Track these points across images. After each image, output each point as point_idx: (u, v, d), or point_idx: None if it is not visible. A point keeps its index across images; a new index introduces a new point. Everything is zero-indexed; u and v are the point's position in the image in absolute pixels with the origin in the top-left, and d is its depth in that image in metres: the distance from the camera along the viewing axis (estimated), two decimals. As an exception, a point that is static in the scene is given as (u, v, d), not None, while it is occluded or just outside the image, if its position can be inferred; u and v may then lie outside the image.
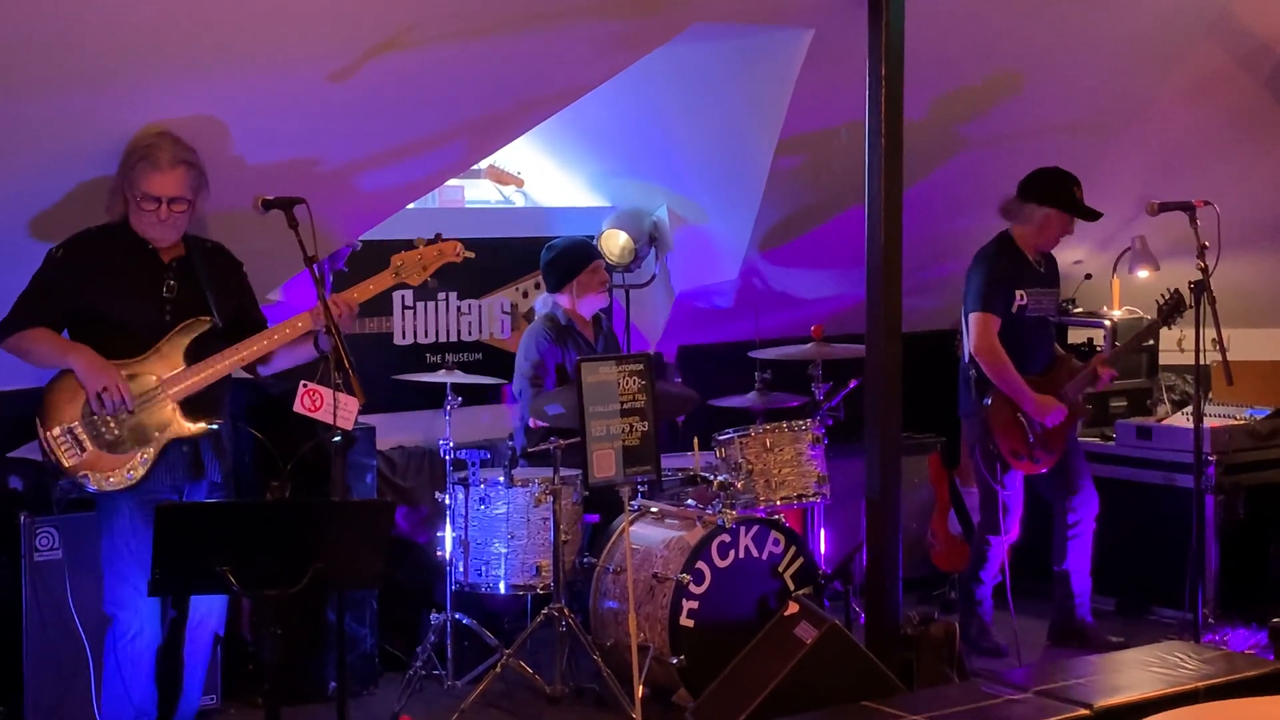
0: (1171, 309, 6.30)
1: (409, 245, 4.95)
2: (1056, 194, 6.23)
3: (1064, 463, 6.40)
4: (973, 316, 6.21)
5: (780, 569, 5.82)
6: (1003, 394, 6.20)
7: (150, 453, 4.69)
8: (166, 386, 4.70)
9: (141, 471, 4.67)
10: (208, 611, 4.89)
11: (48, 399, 4.66)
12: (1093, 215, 6.30)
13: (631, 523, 5.81)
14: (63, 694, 5.22)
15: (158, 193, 4.70)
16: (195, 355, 4.76)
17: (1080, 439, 6.76)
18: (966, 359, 6.28)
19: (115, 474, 4.66)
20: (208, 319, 4.80)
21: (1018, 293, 6.23)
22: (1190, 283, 5.92)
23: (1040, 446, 6.27)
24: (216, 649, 5.11)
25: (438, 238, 4.96)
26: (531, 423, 6.34)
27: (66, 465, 4.64)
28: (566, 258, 6.54)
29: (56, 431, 4.64)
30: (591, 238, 7.07)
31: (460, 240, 4.86)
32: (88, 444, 4.65)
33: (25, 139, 4.71)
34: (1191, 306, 5.97)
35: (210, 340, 4.80)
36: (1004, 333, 6.21)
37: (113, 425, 4.65)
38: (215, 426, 4.75)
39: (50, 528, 5.24)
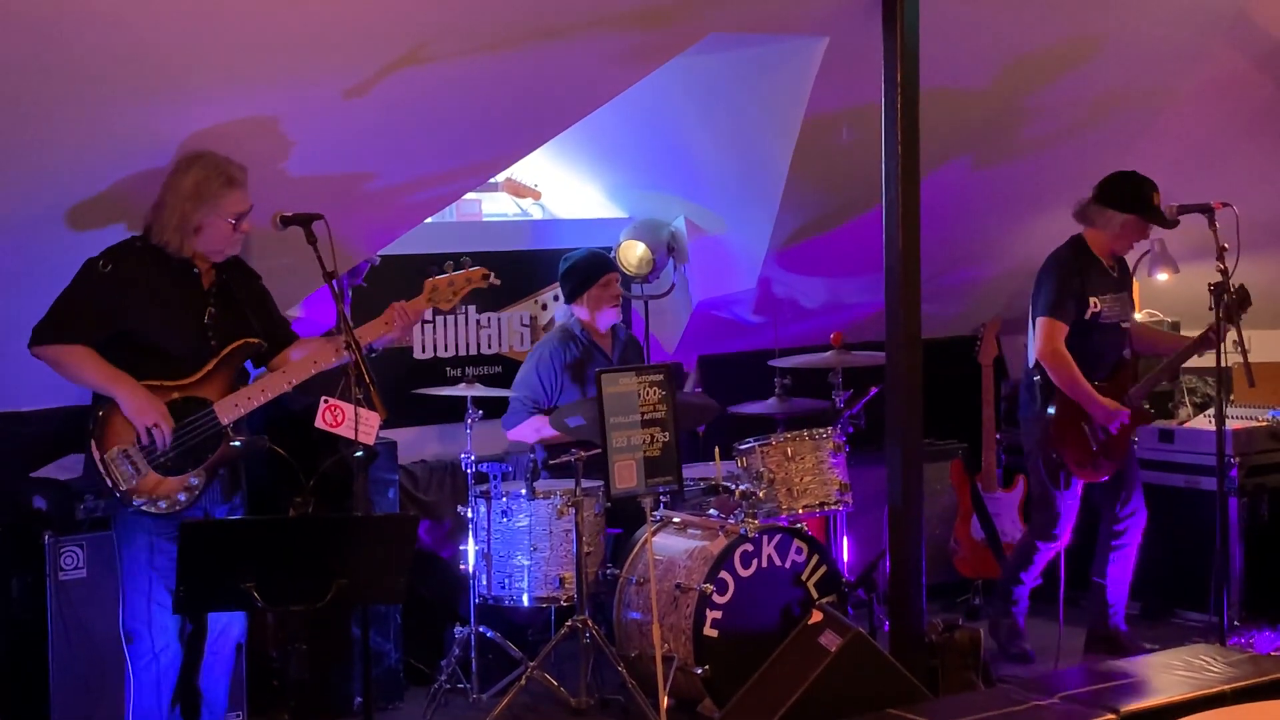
0: (1238, 304, 6.11)
1: (432, 261, 4.99)
2: (1137, 200, 6.17)
3: (1121, 473, 6.36)
4: (1040, 321, 6.16)
5: (803, 577, 5.81)
6: (1068, 402, 6.15)
7: (201, 474, 4.73)
8: (221, 411, 4.73)
9: (195, 495, 4.71)
10: (229, 622, 4.92)
11: (104, 422, 4.68)
12: (1171, 223, 6.23)
13: (654, 533, 5.81)
14: (89, 714, 5.23)
15: (242, 208, 4.78)
16: (240, 376, 4.82)
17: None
18: (1031, 363, 6.24)
19: (168, 497, 4.68)
20: (256, 340, 4.85)
21: (1092, 300, 6.18)
22: (1210, 285, 5.91)
23: (1103, 455, 6.22)
24: (240, 658, 5.12)
25: (462, 263, 5.00)
26: (521, 434, 6.37)
27: (123, 488, 4.67)
28: (579, 270, 6.55)
29: (113, 454, 4.67)
30: (609, 249, 7.07)
31: (479, 252, 4.87)
32: (144, 467, 4.67)
33: (66, 142, 4.75)
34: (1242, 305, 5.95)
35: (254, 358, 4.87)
36: (1076, 338, 6.16)
37: (169, 449, 4.68)
38: (238, 444, 4.77)
39: (74, 547, 5.26)
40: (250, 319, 4.87)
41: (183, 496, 4.69)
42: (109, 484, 4.67)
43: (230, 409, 4.74)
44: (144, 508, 4.68)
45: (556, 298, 7.02)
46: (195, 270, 4.81)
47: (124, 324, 4.72)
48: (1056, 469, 6.18)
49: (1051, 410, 6.17)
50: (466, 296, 5.09)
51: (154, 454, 4.67)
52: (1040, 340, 6.15)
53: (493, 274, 5.05)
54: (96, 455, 4.67)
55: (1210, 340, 6.20)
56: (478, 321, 7.01)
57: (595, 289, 6.52)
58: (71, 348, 4.69)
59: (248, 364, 4.98)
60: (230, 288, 4.86)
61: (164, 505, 4.68)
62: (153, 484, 4.68)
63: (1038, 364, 6.18)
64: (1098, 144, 7.02)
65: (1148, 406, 6.43)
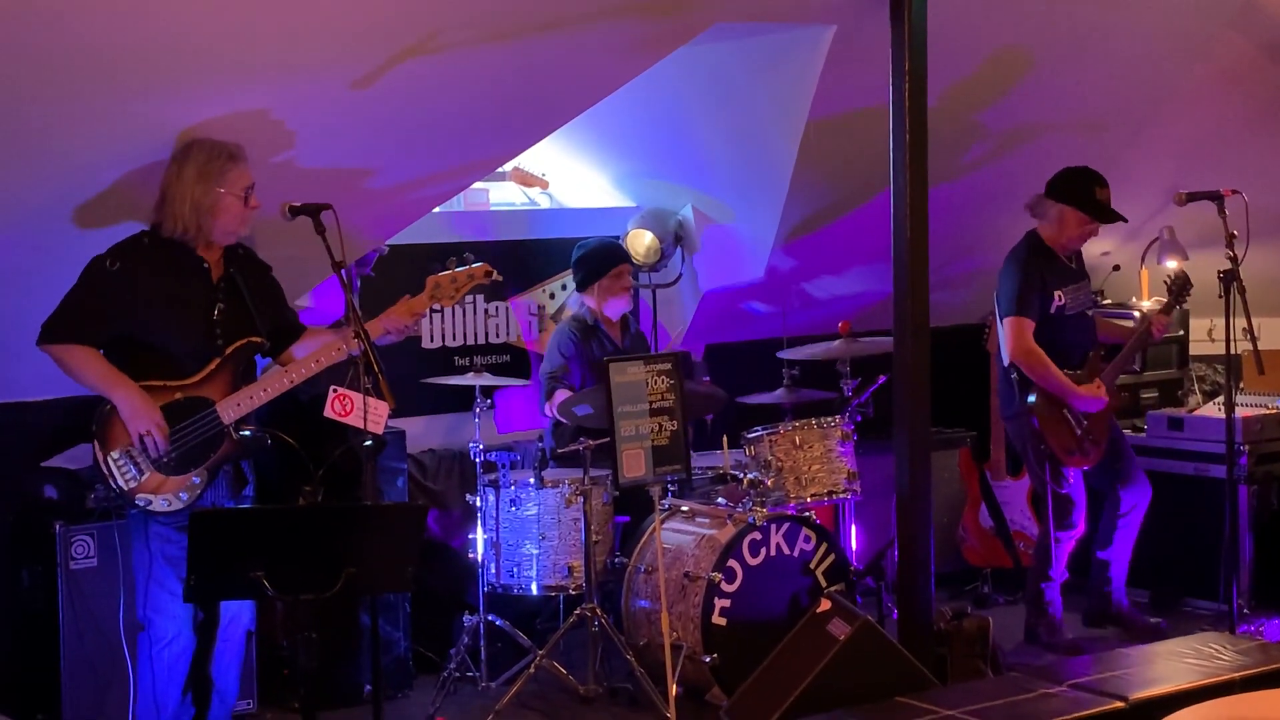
0: (1179, 289, 6.35)
1: (439, 251, 4.99)
2: (1075, 193, 6.20)
3: (1114, 452, 6.38)
4: (1007, 321, 6.18)
5: (812, 566, 5.82)
6: (1046, 393, 6.18)
7: (204, 473, 4.73)
8: (223, 410, 4.73)
9: (196, 493, 4.71)
10: (239, 610, 4.92)
11: (107, 421, 4.68)
12: (1109, 217, 6.26)
13: (662, 522, 5.82)
14: (100, 702, 5.25)
15: (248, 182, 4.78)
16: (245, 373, 4.82)
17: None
18: (1006, 362, 6.25)
19: (171, 497, 4.69)
20: (259, 339, 4.85)
21: (1056, 293, 6.20)
22: (1220, 272, 5.90)
23: (1088, 440, 6.24)
24: (250, 646, 5.13)
25: (466, 259, 5.00)
26: (549, 411, 6.36)
27: (126, 488, 4.67)
28: (592, 259, 6.56)
29: (116, 454, 4.67)
30: (617, 238, 7.08)
31: (487, 241, 4.88)
32: (146, 468, 4.68)
33: (70, 135, 4.74)
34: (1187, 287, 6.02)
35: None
36: (1045, 332, 6.18)
37: (170, 449, 4.68)
38: (247, 433, 4.77)
39: (85, 536, 5.28)
40: (256, 316, 4.86)
41: (185, 495, 4.69)
42: (112, 484, 4.68)
43: (232, 408, 4.74)
44: (147, 506, 4.68)
45: (565, 286, 7.03)
46: (205, 265, 4.81)
47: (130, 324, 4.72)
48: (1046, 460, 6.20)
49: (1031, 399, 6.20)
50: (471, 289, 5.09)
51: (156, 455, 4.68)
52: (1011, 340, 6.17)
53: (495, 271, 5.06)
54: (100, 455, 4.68)
55: (1150, 334, 6.31)
56: (485, 310, 7.02)
57: (606, 279, 6.52)
58: (75, 348, 4.69)
59: (256, 355, 4.99)
60: (238, 281, 4.86)
61: (166, 504, 4.68)
62: (156, 483, 4.69)
63: (1013, 362, 6.21)
64: (1108, 133, 7.01)
65: (1121, 391, 6.44)
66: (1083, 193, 6.21)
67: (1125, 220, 6.32)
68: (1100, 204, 6.22)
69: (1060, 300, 6.22)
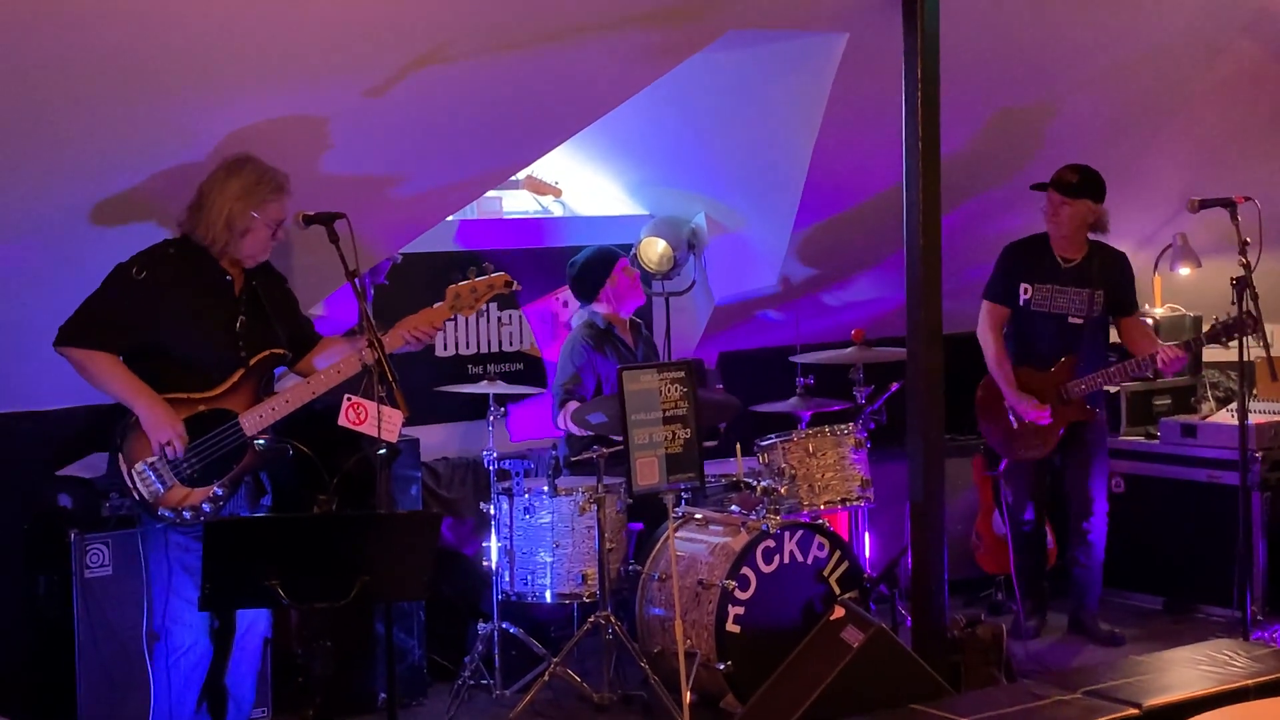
0: (1218, 335, 6.06)
1: (451, 262, 5.00)
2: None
3: (1082, 474, 6.41)
4: (982, 303, 6.45)
5: (825, 573, 5.82)
6: (992, 381, 6.40)
7: (226, 484, 4.74)
8: (246, 422, 4.75)
9: (219, 505, 4.72)
10: (255, 619, 4.93)
11: (131, 434, 4.69)
12: (1040, 187, 6.33)
13: (676, 530, 5.82)
14: (116, 709, 5.26)
15: (283, 216, 4.80)
16: (266, 385, 4.84)
17: (1124, 438, 6.74)
18: None
19: (194, 508, 4.70)
20: (282, 350, 4.86)
21: (1022, 285, 6.29)
22: (1233, 279, 5.89)
23: (1022, 439, 6.36)
24: (266, 654, 5.15)
25: (485, 269, 5.01)
26: (563, 423, 6.35)
27: (150, 500, 4.68)
28: (592, 267, 6.56)
29: (140, 467, 4.68)
30: (630, 246, 7.09)
31: (500, 250, 4.89)
32: (170, 480, 4.69)
33: (91, 139, 4.76)
34: (1251, 333, 5.87)
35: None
36: (1015, 324, 6.41)
37: (194, 461, 4.69)
38: (262, 442, 4.78)
39: (100, 544, 5.29)
40: (277, 327, 4.88)
41: (207, 507, 4.70)
42: (136, 496, 4.69)
43: (255, 420, 4.75)
44: (170, 518, 4.69)
45: (582, 295, 7.04)
46: (228, 277, 4.82)
47: (154, 334, 4.72)
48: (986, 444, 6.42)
49: (980, 390, 6.44)
50: (490, 299, 5.10)
51: (179, 467, 4.69)
52: (979, 320, 6.43)
53: (514, 280, 5.07)
54: (124, 468, 4.68)
55: (1153, 363, 6.26)
56: (499, 319, 7.03)
57: (614, 275, 6.52)
58: (96, 354, 4.69)
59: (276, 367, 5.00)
60: (259, 294, 4.87)
61: (189, 515, 4.69)
62: (179, 496, 4.70)
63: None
64: (1121, 140, 7.00)
65: (1092, 406, 6.36)
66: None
67: (1043, 189, 6.32)
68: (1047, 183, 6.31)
69: (1026, 294, 6.29)
